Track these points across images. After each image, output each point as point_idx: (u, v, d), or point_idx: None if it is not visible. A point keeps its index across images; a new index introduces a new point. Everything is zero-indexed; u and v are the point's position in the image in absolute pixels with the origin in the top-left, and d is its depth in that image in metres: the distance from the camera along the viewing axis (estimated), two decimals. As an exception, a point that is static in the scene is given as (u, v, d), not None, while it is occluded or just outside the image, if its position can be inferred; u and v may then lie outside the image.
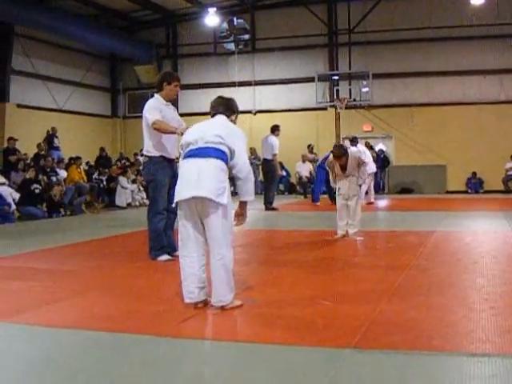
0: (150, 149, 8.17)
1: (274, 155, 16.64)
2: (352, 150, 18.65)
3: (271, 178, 17.06)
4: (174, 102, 8.70)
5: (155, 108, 8.05)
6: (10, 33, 22.50)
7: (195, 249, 5.35)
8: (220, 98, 5.81)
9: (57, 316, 5.31)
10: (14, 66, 22.87)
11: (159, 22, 28.61)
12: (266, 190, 17.22)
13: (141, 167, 20.05)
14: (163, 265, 7.91)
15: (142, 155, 8.57)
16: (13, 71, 22.85)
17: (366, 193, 18.97)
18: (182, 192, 5.27)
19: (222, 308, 5.30)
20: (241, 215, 5.45)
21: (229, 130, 5.41)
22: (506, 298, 5.68)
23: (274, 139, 16.68)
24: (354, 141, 18.59)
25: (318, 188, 19.42)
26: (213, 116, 5.67)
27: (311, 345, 4.33)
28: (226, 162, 5.28)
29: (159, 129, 7.90)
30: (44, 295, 6.15)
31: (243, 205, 5.44)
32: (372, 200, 19.04)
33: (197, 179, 5.16)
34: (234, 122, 5.70)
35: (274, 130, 16.98)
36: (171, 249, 8.32)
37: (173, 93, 8.27)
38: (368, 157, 18.77)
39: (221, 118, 5.61)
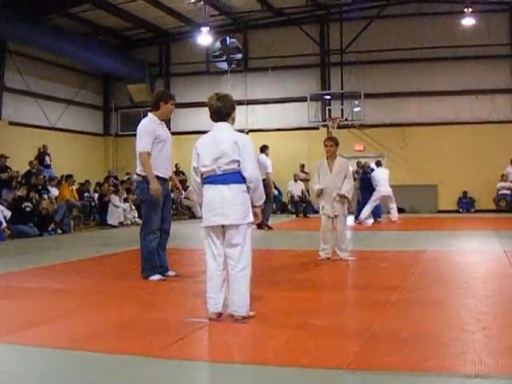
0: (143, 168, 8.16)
1: (268, 173, 16.63)
2: (376, 170, 19.74)
3: (266, 197, 17.02)
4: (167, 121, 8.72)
5: (149, 132, 8.05)
6: (3, 50, 22.53)
7: (222, 263, 5.78)
8: (216, 100, 5.90)
9: (49, 336, 5.28)
10: (6, 83, 22.87)
11: (152, 41, 28.72)
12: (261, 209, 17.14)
13: (133, 186, 20.02)
14: (155, 284, 7.89)
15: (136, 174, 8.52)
16: (5, 88, 22.84)
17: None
18: (209, 218, 5.78)
19: (236, 318, 5.64)
20: (256, 216, 6.02)
21: (236, 145, 5.73)
22: (498, 318, 5.68)
23: (265, 158, 16.73)
24: (378, 164, 20.56)
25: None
26: (215, 121, 5.93)
27: (303, 366, 4.32)
28: (245, 181, 5.77)
29: (142, 164, 8.02)
30: (36, 314, 6.12)
31: (257, 208, 6.04)
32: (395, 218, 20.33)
33: (221, 206, 5.70)
34: (234, 118, 6.03)
35: (264, 149, 17.10)
36: (163, 269, 8.32)
37: (169, 112, 8.34)
38: (383, 179, 19.99)
39: (225, 131, 5.87)
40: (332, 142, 10.13)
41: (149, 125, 8.15)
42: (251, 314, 5.77)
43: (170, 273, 8.40)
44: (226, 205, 5.68)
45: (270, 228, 16.80)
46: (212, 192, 5.78)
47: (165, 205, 8.32)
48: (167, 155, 8.24)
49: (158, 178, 8.11)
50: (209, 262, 5.82)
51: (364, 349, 4.67)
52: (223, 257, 5.76)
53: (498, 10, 24.98)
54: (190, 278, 8.42)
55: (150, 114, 8.28)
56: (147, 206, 8.22)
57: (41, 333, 5.40)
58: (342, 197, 9.85)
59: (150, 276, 8.14)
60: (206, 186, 5.86)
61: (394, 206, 20.48)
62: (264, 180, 16.50)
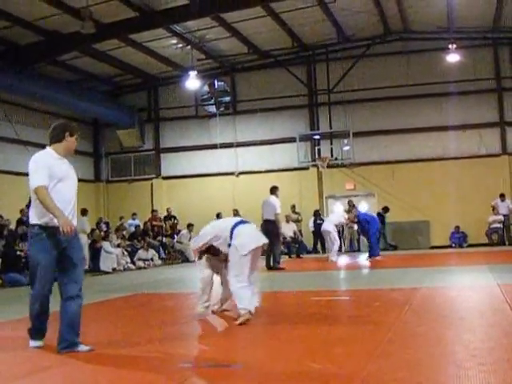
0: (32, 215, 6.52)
1: (277, 214, 16.69)
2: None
3: (276, 238, 16.81)
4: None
5: (43, 165, 6.49)
6: (-8, 98, 22.65)
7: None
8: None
9: (42, 386, 5.22)
10: (-5, 131, 22.97)
11: (141, 86, 28.94)
12: (272, 250, 16.93)
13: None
14: (149, 329, 7.81)
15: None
16: (-6, 137, 22.93)
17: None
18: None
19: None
20: None
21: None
22: (493, 353, 5.66)
23: (275, 199, 16.90)
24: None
25: (374, 240, 19.96)
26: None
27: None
28: None
29: (42, 201, 6.25)
30: (29, 364, 6.05)
31: None
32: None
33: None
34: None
35: (274, 190, 17.18)
36: (67, 344, 6.39)
37: (74, 145, 6.72)
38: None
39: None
40: None
41: (42, 158, 6.59)
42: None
43: (82, 348, 6.36)
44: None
45: (281, 269, 16.59)
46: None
47: (64, 262, 6.47)
48: (63, 198, 6.38)
49: (47, 227, 6.36)
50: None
51: (360, 389, 4.63)
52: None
53: (482, 44, 25.36)
54: (183, 324, 8.36)
55: (48, 148, 6.69)
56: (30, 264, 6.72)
57: (35, 383, 5.34)
58: None
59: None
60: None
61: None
62: (273, 221, 16.65)
